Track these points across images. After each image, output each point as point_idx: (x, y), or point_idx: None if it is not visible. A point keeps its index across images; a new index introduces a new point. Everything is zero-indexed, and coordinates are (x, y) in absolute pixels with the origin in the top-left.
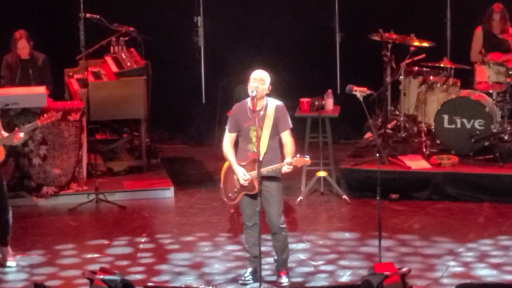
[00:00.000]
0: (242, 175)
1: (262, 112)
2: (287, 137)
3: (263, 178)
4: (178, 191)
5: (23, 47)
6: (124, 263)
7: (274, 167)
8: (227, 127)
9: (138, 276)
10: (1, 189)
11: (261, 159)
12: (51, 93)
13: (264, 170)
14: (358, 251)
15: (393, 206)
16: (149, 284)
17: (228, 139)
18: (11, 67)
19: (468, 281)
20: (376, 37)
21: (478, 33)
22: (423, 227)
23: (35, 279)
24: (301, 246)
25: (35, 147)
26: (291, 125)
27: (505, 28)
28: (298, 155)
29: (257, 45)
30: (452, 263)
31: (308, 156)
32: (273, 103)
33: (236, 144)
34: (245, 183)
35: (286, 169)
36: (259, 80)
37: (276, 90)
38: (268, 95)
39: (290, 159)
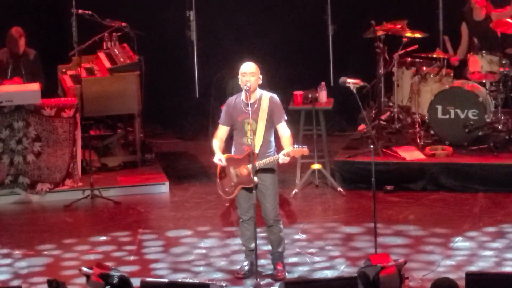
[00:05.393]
0: (217, 160)
1: (256, 105)
2: (284, 129)
3: (259, 171)
4: (173, 186)
5: (21, 45)
6: (120, 258)
7: (271, 159)
8: (219, 121)
9: (135, 271)
10: None
11: (257, 151)
12: (43, 89)
13: (261, 163)
14: (353, 243)
15: (388, 197)
16: (146, 279)
17: (218, 131)
18: (2, 63)
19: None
20: (369, 35)
21: (463, 29)
22: (418, 218)
23: (33, 276)
24: (296, 238)
25: (29, 144)
26: (286, 117)
27: (488, 11)
28: (296, 146)
29: (250, 39)
30: (447, 254)
31: (305, 146)
32: (267, 95)
33: (231, 139)
34: (220, 163)
35: (283, 159)
36: (250, 73)
37: (269, 84)
38: (261, 87)
39: (288, 150)
